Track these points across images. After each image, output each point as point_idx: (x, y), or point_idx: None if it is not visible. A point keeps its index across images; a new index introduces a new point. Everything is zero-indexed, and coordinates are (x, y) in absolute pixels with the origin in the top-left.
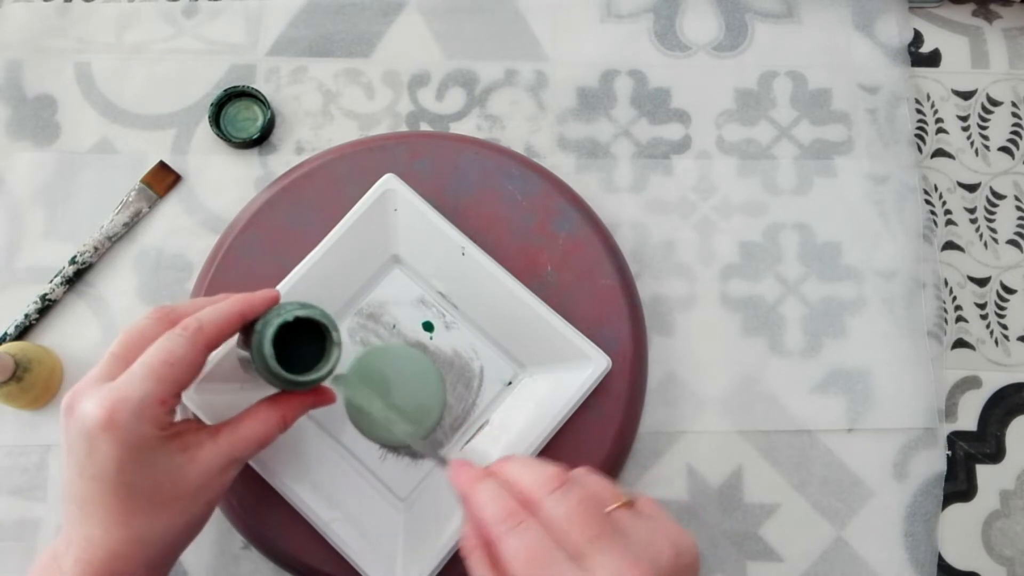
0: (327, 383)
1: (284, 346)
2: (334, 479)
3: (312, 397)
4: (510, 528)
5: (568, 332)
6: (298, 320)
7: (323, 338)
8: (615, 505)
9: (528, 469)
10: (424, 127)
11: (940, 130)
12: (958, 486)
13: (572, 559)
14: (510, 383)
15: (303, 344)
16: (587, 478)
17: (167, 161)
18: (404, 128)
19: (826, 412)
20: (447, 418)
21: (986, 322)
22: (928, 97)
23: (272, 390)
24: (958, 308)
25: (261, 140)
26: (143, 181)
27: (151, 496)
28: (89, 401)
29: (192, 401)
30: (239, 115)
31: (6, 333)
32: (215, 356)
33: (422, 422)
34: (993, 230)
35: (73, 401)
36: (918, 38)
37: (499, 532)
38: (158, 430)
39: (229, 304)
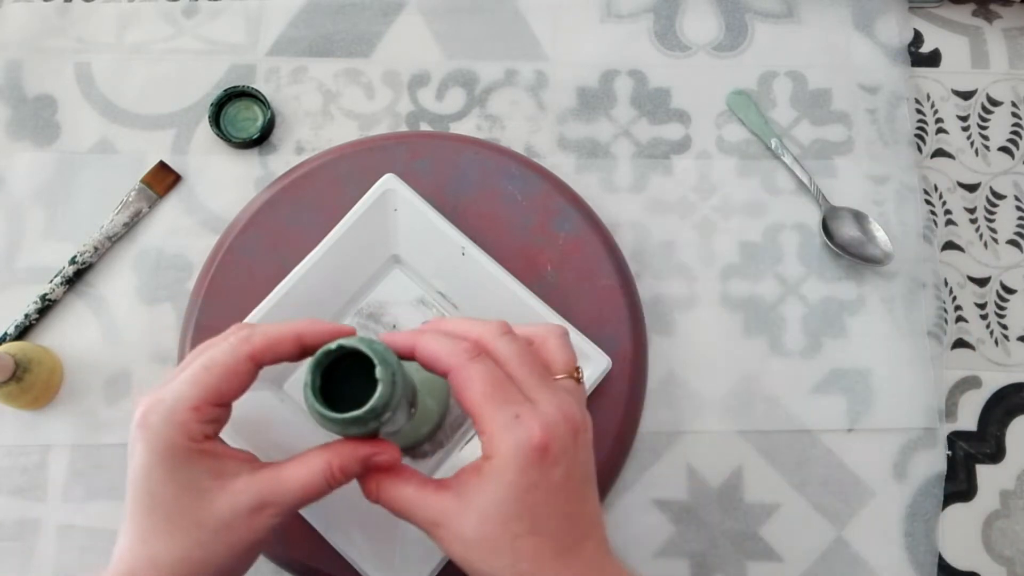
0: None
1: (344, 387)
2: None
3: (367, 448)
4: (469, 359)
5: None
6: (348, 354)
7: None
8: (576, 377)
9: (472, 321)
10: (424, 127)
11: (940, 130)
12: (958, 486)
13: (520, 391)
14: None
15: (365, 387)
16: (524, 330)
17: (167, 161)
18: (404, 128)
19: (826, 412)
20: (447, 418)
21: (986, 322)
22: (928, 97)
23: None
24: (958, 308)
25: (261, 140)
26: (143, 181)
27: (170, 513)
28: (137, 405)
29: None
30: (239, 115)
31: (6, 333)
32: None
33: (424, 423)
34: (993, 230)
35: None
36: (918, 38)
37: (455, 363)
38: (188, 439)
39: (289, 324)
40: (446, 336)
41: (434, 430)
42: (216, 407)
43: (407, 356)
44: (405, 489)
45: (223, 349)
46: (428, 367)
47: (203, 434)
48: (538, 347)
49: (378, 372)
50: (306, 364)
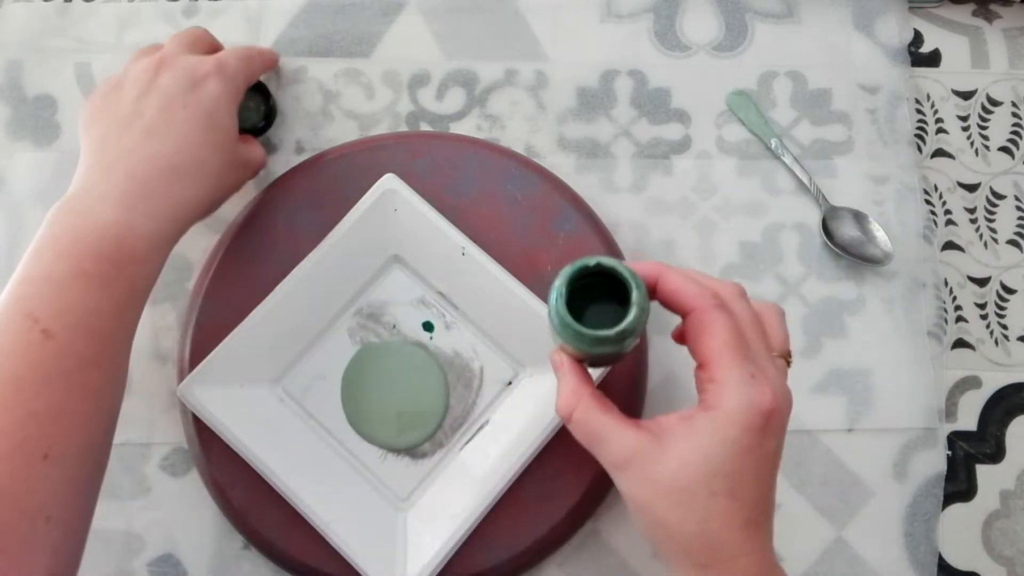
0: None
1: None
2: (334, 479)
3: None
4: (714, 305)
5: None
6: (591, 273)
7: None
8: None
9: (708, 276)
10: (424, 127)
11: (940, 130)
12: (958, 486)
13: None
14: (510, 383)
15: (594, 305)
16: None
17: None
18: (404, 128)
19: (826, 412)
20: (448, 418)
21: (986, 322)
22: (928, 97)
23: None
24: (958, 308)
25: (264, 129)
26: None
27: (221, 142)
28: (191, 59)
29: (193, 398)
30: (240, 105)
31: None
32: (218, 353)
33: (424, 425)
34: (993, 230)
35: (168, 57)
36: (918, 38)
37: (701, 304)
38: (239, 95)
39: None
40: (691, 278)
41: (434, 432)
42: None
43: (650, 286)
44: (603, 417)
45: (260, 51)
46: (667, 301)
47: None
48: (761, 320)
49: (635, 296)
50: (561, 274)
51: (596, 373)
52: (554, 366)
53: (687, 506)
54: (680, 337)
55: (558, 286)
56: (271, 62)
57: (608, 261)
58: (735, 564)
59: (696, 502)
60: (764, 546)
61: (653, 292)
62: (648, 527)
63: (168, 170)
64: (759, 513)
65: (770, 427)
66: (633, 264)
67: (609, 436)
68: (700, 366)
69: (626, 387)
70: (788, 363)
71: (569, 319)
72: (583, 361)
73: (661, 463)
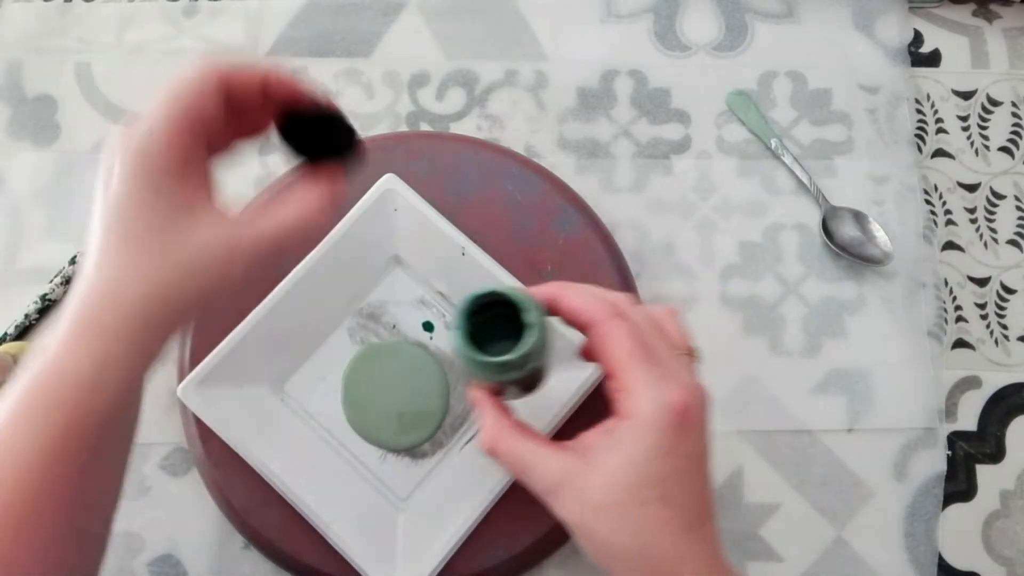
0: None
1: (481, 334)
2: (334, 479)
3: (333, 184)
4: (613, 315)
5: (568, 332)
6: (488, 304)
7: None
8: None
9: (601, 289)
10: (424, 127)
11: (940, 130)
12: (958, 486)
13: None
14: None
15: (500, 336)
16: None
17: None
18: (404, 128)
19: (826, 412)
20: (448, 418)
21: (986, 322)
22: (928, 97)
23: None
24: (958, 308)
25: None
26: None
27: (147, 244)
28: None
29: (193, 398)
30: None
31: (6, 333)
32: (218, 354)
33: (424, 425)
34: (993, 230)
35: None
36: (918, 38)
37: (601, 317)
38: (169, 160)
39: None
40: (588, 293)
41: (434, 434)
42: (192, 135)
43: (547, 307)
44: (527, 444)
45: (188, 75)
46: (570, 319)
47: (184, 157)
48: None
49: (531, 317)
50: (456, 309)
51: (524, 403)
52: (473, 404)
53: (621, 520)
54: (586, 354)
55: (457, 320)
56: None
57: (501, 288)
58: (679, 573)
59: (629, 514)
60: (708, 551)
61: (554, 313)
62: (591, 549)
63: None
64: (696, 516)
65: (687, 424)
66: (532, 288)
67: (535, 463)
68: (608, 376)
69: None
70: (695, 358)
71: (467, 350)
72: (501, 393)
73: (590, 481)
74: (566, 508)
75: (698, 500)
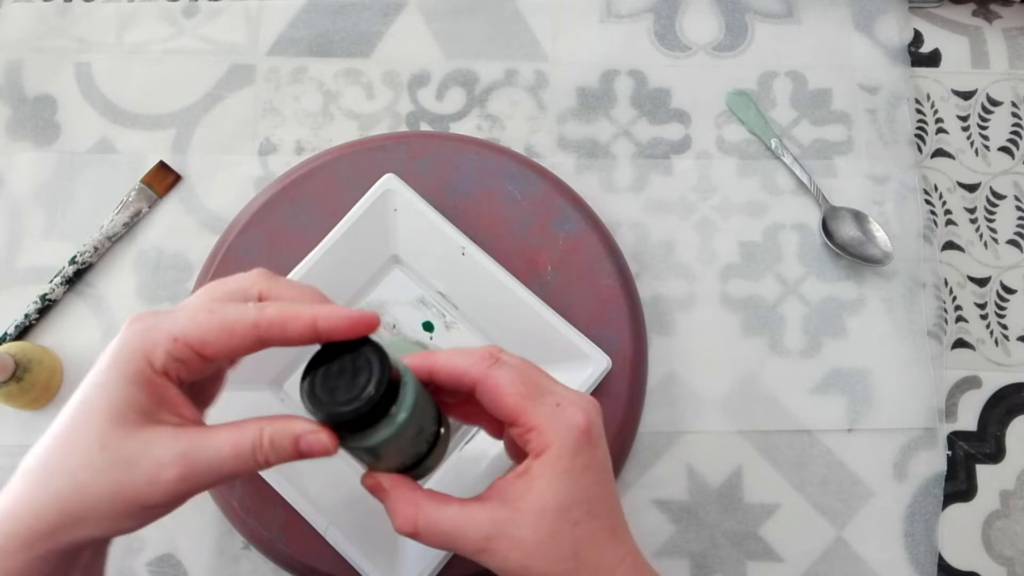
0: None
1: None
2: (334, 479)
3: (303, 424)
4: (491, 366)
5: (568, 332)
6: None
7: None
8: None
9: (470, 349)
10: (424, 127)
11: (940, 130)
12: (958, 486)
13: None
14: None
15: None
16: None
17: (167, 161)
18: (404, 128)
19: (826, 412)
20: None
21: (986, 322)
22: (928, 97)
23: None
24: (958, 308)
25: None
26: (143, 181)
27: (85, 442)
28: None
29: None
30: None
31: (6, 333)
32: None
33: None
34: (993, 230)
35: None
36: (918, 38)
37: (480, 372)
38: (147, 362)
39: (308, 308)
40: (460, 351)
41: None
42: (194, 352)
43: (423, 379)
44: (448, 510)
45: (237, 306)
46: (450, 384)
47: (164, 368)
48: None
49: (401, 413)
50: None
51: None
52: (373, 491)
53: (558, 548)
54: (495, 429)
55: (301, 382)
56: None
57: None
58: (616, 574)
59: (564, 539)
60: (630, 546)
61: (432, 382)
62: None
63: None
64: (616, 516)
65: (593, 438)
66: (407, 358)
67: (462, 526)
68: (511, 424)
69: (626, 388)
70: None
71: (344, 443)
72: (403, 470)
73: (521, 524)
74: (503, 559)
75: (614, 501)
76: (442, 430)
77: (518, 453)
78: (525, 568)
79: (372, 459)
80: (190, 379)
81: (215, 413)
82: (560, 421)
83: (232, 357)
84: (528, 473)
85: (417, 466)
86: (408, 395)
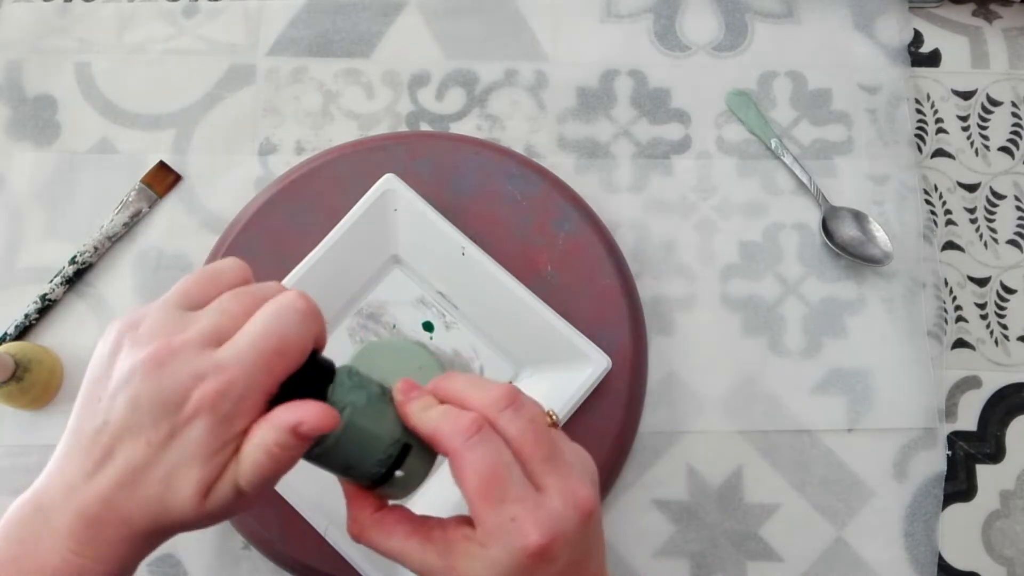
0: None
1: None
2: (334, 479)
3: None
4: (466, 441)
5: (568, 332)
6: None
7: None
8: (550, 422)
9: (476, 387)
10: (424, 127)
11: (940, 130)
12: (958, 486)
13: (527, 478)
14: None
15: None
16: (528, 397)
17: (167, 161)
18: (404, 128)
19: (826, 412)
20: None
21: (986, 322)
22: (928, 97)
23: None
24: (958, 308)
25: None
26: (143, 181)
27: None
28: (194, 365)
29: None
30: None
31: (6, 333)
32: None
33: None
34: (993, 230)
35: (162, 354)
36: (918, 38)
37: (454, 446)
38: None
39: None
40: (446, 410)
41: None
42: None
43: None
44: (391, 541)
45: (297, 331)
46: (429, 444)
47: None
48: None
49: (340, 397)
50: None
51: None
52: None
53: None
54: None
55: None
56: (312, 337)
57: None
58: None
59: None
60: None
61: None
62: None
63: (121, 524)
64: None
65: (547, 556)
66: (398, 395)
67: (401, 558)
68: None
69: (626, 388)
70: (556, 423)
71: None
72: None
73: None
74: None
75: None
76: (412, 446)
77: None
78: None
79: (327, 457)
80: None
81: None
82: (505, 540)
83: None
84: (469, 541)
85: (386, 481)
86: (346, 385)
